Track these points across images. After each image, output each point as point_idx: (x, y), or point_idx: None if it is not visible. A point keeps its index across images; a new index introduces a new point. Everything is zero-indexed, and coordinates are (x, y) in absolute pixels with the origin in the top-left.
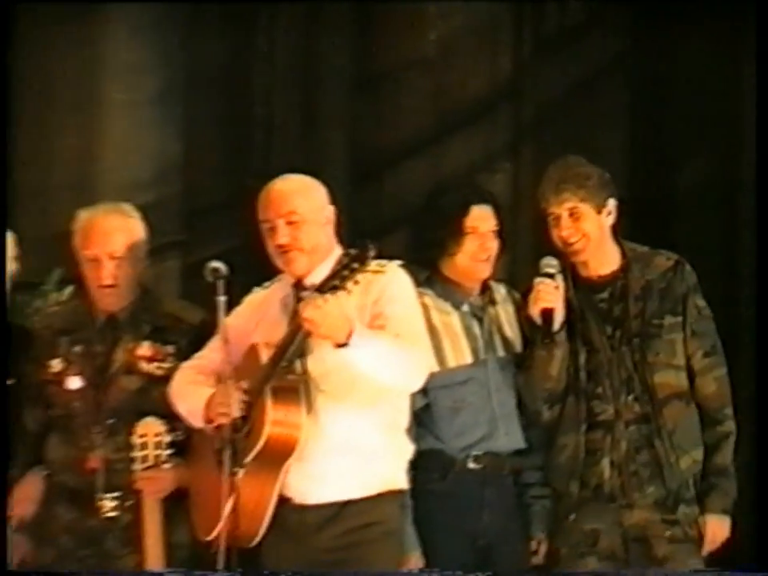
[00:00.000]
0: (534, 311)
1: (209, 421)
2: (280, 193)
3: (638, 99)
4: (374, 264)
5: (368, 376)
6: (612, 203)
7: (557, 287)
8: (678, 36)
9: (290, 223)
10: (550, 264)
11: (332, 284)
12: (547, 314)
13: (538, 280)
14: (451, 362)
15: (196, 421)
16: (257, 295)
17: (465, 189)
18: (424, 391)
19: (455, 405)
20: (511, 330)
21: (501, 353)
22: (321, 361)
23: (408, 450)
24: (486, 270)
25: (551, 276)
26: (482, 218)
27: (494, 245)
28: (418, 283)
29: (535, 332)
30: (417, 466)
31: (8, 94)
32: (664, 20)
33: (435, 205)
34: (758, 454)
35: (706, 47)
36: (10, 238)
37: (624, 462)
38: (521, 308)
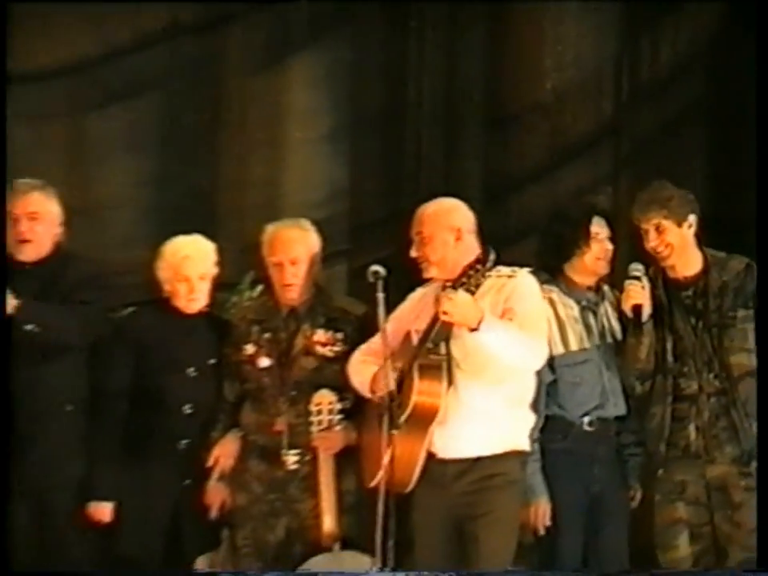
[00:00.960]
0: (626, 307)
1: (373, 392)
2: (420, 215)
3: (715, 134)
4: (507, 269)
5: (496, 357)
6: (692, 218)
7: (643, 287)
8: (747, 81)
9: (422, 241)
10: (637, 268)
11: (461, 281)
12: (636, 309)
13: (627, 282)
14: (573, 346)
15: (364, 391)
16: (417, 293)
17: (586, 204)
18: (552, 369)
19: (575, 380)
20: (614, 322)
21: (609, 339)
22: (461, 344)
23: (530, 419)
24: (606, 268)
25: (638, 278)
26: (600, 227)
27: (610, 247)
28: (543, 283)
29: (628, 323)
30: (544, 429)
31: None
32: (735, 67)
33: (564, 216)
34: (758, 454)
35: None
36: (212, 247)
37: (707, 427)
38: (618, 304)
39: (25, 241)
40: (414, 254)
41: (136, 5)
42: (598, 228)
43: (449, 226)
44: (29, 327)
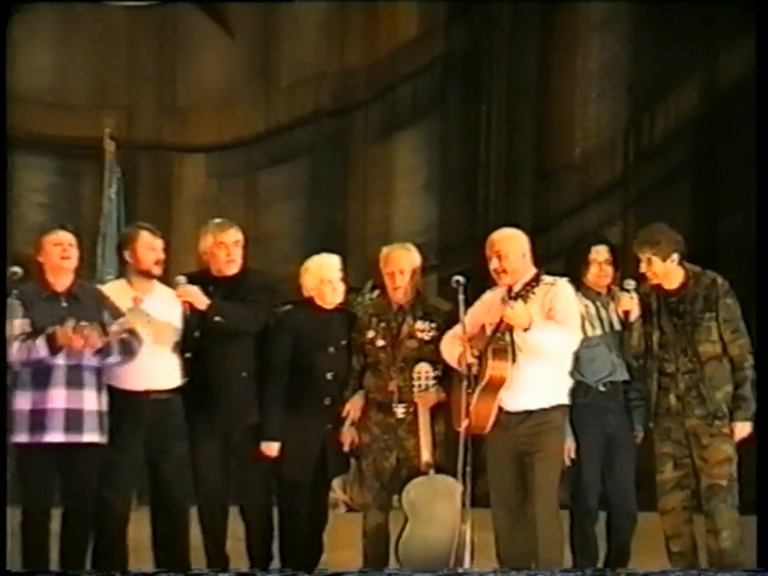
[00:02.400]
0: (619, 311)
1: (459, 365)
2: (495, 239)
3: (697, 182)
4: (550, 279)
5: (543, 345)
6: (675, 256)
7: (632, 297)
8: (726, 147)
9: (498, 257)
10: (629, 284)
11: (520, 294)
12: (626, 313)
13: (620, 293)
14: (590, 333)
15: (452, 364)
16: (488, 295)
17: (589, 237)
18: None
19: (592, 356)
20: (618, 317)
21: (615, 328)
22: (519, 335)
23: (568, 383)
24: (606, 281)
25: (628, 291)
26: (598, 253)
27: (608, 267)
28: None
29: (622, 321)
30: (572, 391)
31: (347, 184)
32: (714, 136)
33: (575, 246)
34: (759, 456)
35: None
36: (338, 262)
37: (683, 395)
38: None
39: (231, 261)
40: (493, 266)
41: (290, 100)
42: (596, 254)
43: (519, 246)
44: (217, 319)
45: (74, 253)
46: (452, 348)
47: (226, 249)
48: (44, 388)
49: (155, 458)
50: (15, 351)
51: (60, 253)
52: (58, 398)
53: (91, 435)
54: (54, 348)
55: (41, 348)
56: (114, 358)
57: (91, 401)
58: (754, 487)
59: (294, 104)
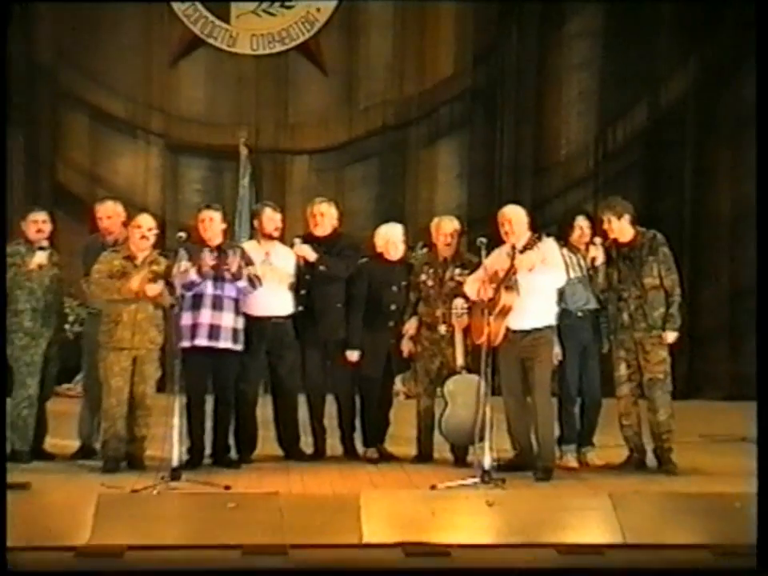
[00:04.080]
0: (589, 258)
1: (477, 296)
2: (504, 211)
3: (647, 174)
4: (543, 238)
5: (540, 282)
6: (627, 216)
7: (596, 248)
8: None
9: (508, 223)
10: (596, 240)
11: (525, 247)
12: (593, 260)
13: (590, 246)
14: (572, 275)
15: (473, 297)
16: (498, 250)
17: (574, 209)
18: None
19: (573, 291)
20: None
21: (588, 272)
22: (523, 276)
23: (555, 310)
24: (582, 242)
25: (595, 244)
26: (581, 221)
27: (588, 231)
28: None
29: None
30: (558, 315)
31: (405, 177)
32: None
33: (563, 216)
34: (759, 459)
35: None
36: (400, 228)
37: (633, 313)
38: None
39: (317, 225)
40: (504, 230)
41: (366, 119)
42: (579, 221)
43: (521, 216)
44: (321, 268)
45: (218, 222)
46: (476, 285)
47: (322, 217)
48: (197, 309)
49: (275, 361)
50: (178, 281)
51: (209, 223)
52: (205, 315)
53: (226, 343)
54: (201, 274)
55: (192, 274)
56: (242, 284)
57: (228, 320)
58: (681, 379)
59: (368, 121)
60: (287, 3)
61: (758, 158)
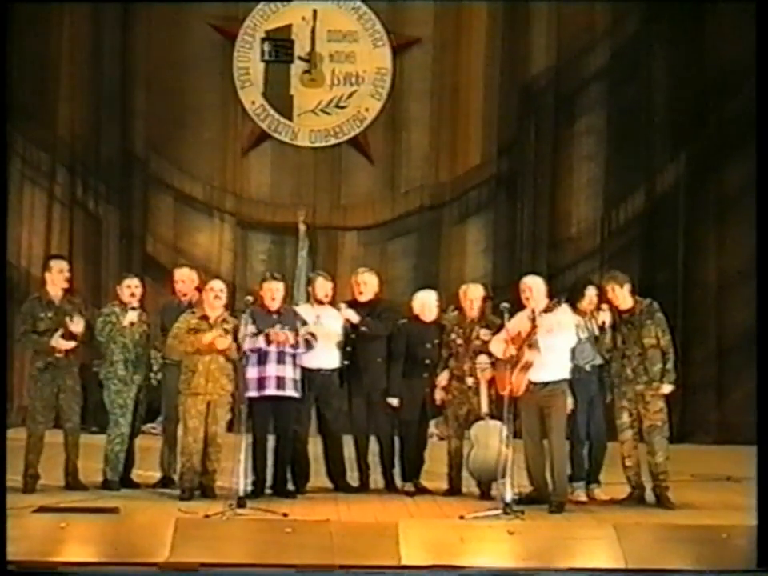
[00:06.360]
0: (598, 322)
1: (502, 355)
2: (525, 281)
3: (646, 250)
4: (557, 304)
5: (558, 341)
6: (627, 286)
7: (605, 313)
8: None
9: (530, 290)
10: (604, 307)
11: (544, 311)
12: (602, 324)
13: (599, 312)
14: (581, 336)
15: (498, 355)
16: (519, 314)
17: (582, 281)
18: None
19: (582, 350)
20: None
21: (596, 333)
22: (543, 335)
23: (569, 365)
24: (590, 308)
25: (603, 310)
26: (589, 290)
27: (595, 299)
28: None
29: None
30: (571, 370)
31: (440, 250)
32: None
33: (575, 286)
34: (759, 462)
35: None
36: (434, 294)
37: (636, 369)
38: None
39: (361, 293)
40: (524, 297)
41: (406, 201)
42: (588, 290)
43: (539, 285)
44: (363, 329)
45: (281, 292)
46: (500, 346)
47: (365, 285)
48: (264, 364)
49: (323, 407)
50: (246, 344)
51: (275, 292)
52: (271, 369)
53: (291, 392)
54: (268, 342)
55: (261, 342)
56: (300, 349)
57: (290, 372)
58: (675, 426)
59: (408, 203)
60: (341, 104)
61: (758, 162)
